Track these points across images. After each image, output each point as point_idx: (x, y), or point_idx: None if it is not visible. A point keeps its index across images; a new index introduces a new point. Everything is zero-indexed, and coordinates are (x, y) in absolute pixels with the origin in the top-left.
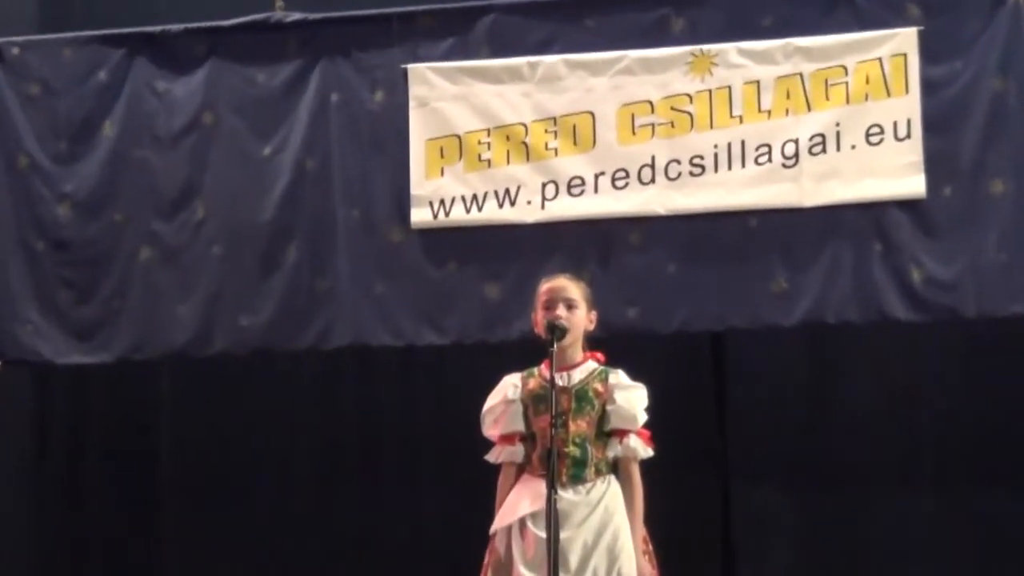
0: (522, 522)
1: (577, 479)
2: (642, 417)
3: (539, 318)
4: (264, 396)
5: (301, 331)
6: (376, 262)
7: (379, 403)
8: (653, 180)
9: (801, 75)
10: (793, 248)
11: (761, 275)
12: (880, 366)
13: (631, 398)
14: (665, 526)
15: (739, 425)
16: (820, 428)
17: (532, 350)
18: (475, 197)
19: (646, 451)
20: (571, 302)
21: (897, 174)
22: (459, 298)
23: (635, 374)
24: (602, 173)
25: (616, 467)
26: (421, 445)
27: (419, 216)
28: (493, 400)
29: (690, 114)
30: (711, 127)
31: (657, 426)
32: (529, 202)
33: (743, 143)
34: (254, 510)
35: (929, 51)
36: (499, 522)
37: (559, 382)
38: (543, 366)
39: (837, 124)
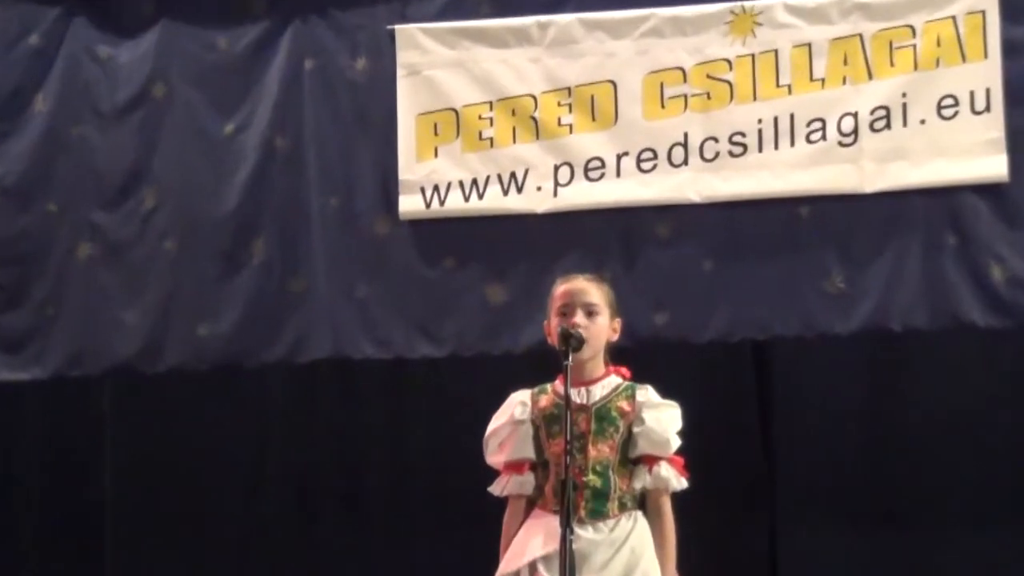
0: (532, 567)
1: (598, 514)
2: (675, 442)
3: (553, 326)
4: (225, 419)
5: (270, 342)
6: (358, 260)
7: (363, 426)
8: (686, 162)
9: (861, 36)
10: (851, 242)
11: (813, 273)
12: (953, 381)
13: (662, 419)
14: (703, 569)
15: (787, 451)
16: (881, 454)
17: (544, 364)
18: (475, 182)
19: (680, 482)
20: (591, 307)
21: (974, 153)
22: (457, 302)
23: (665, 391)
24: (625, 154)
25: (644, 501)
26: (412, 476)
27: (409, 205)
28: (498, 421)
29: (729, 83)
30: (754, 99)
31: (692, 452)
32: (539, 188)
33: (792, 118)
34: (214, 555)
35: (1012, 8)
36: (505, 567)
37: (576, 399)
38: (557, 381)
39: (903, 95)
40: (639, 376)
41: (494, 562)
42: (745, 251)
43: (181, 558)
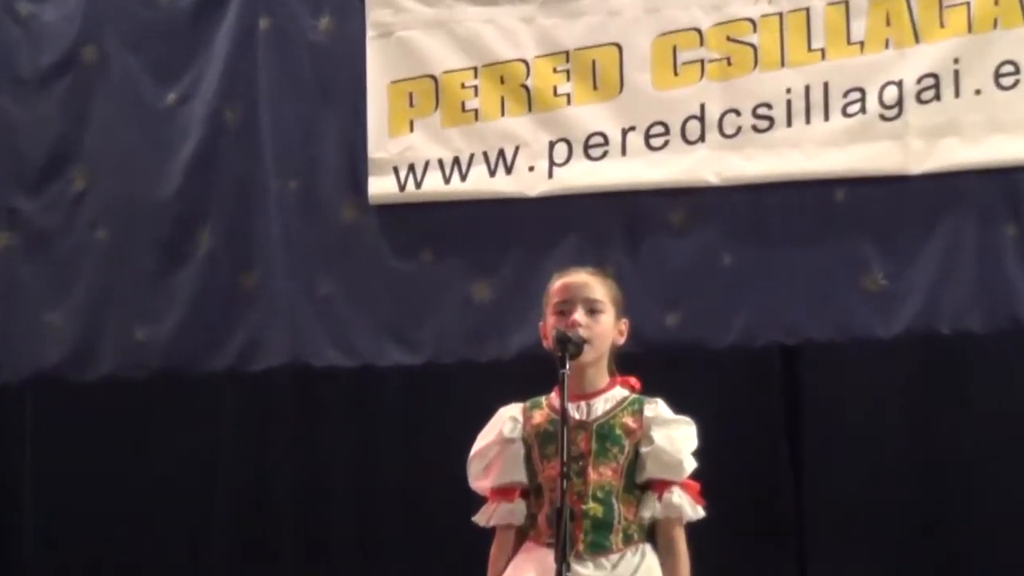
0: None
1: (599, 548)
2: (689, 464)
3: (548, 327)
4: (166, 435)
5: (218, 346)
6: (321, 251)
7: (325, 446)
8: (702, 138)
9: None
10: (894, 231)
11: (850, 268)
12: (1011, 391)
13: (674, 438)
14: None
15: (818, 471)
16: (926, 474)
17: (538, 373)
18: (457, 161)
19: (695, 510)
20: (594, 305)
21: None
22: (436, 301)
23: (678, 406)
24: (632, 128)
25: (653, 533)
26: (383, 503)
27: (380, 187)
28: (484, 440)
29: (753, 47)
30: (782, 65)
31: (709, 476)
32: (531, 168)
33: (826, 87)
34: None
35: None
36: None
37: (574, 415)
38: (553, 394)
39: (955, 61)
40: (646, 389)
41: None
42: (771, 242)
43: None
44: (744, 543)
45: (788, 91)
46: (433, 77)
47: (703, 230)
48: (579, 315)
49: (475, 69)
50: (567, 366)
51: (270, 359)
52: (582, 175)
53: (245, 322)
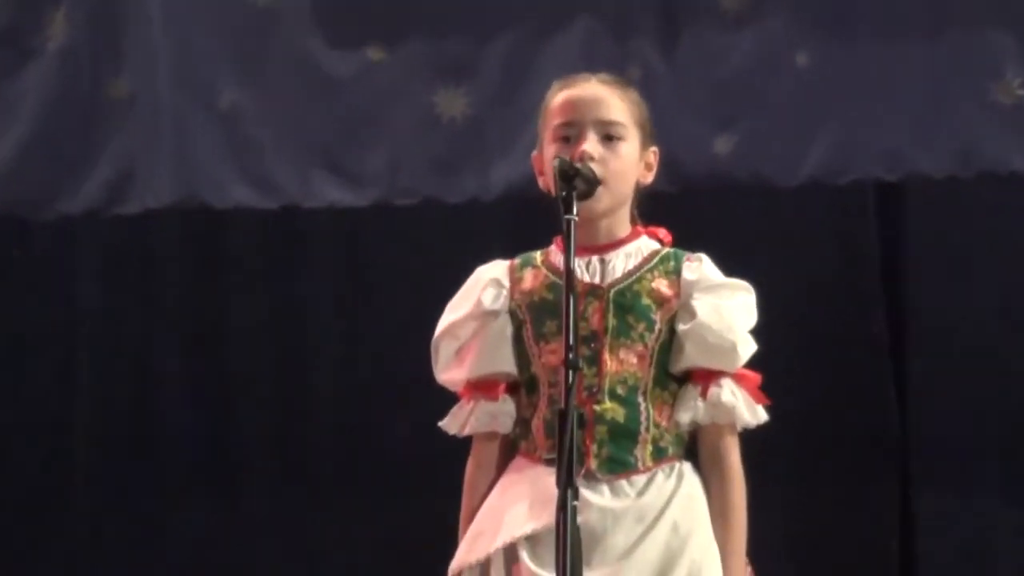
0: (510, 554)
1: (619, 466)
2: (746, 347)
3: (547, 157)
4: (7, 309)
5: (75, 180)
6: (222, 46)
7: (229, 323)
8: None
9: None
10: None
11: (975, 73)
12: None
13: (725, 309)
14: (801, 550)
15: (932, 370)
16: None
17: (529, 221)
18: None
19: (754, 412)
20: (611, 128)
21: None
22: (387, 116)
23: (729, 270)
24: None
25: (694, 444)
26: (308, 414)
27: None
28: (456, 313)
29: None
30: None
31: (774, 369)
32: None
33: None
34: None
35: None
36: (467, 554)
37: (583, 276)
38: (553, 248)
39: None
40: (682, 245)
41: (449, 542)
42: (864, 34)
43: None
44: (818, 459)
45: None
46: None
47: (767, 17)
48: (590, 143)
49: None
50: (574, 211)
51: (150, 198)
52: None
53: (114, 146)
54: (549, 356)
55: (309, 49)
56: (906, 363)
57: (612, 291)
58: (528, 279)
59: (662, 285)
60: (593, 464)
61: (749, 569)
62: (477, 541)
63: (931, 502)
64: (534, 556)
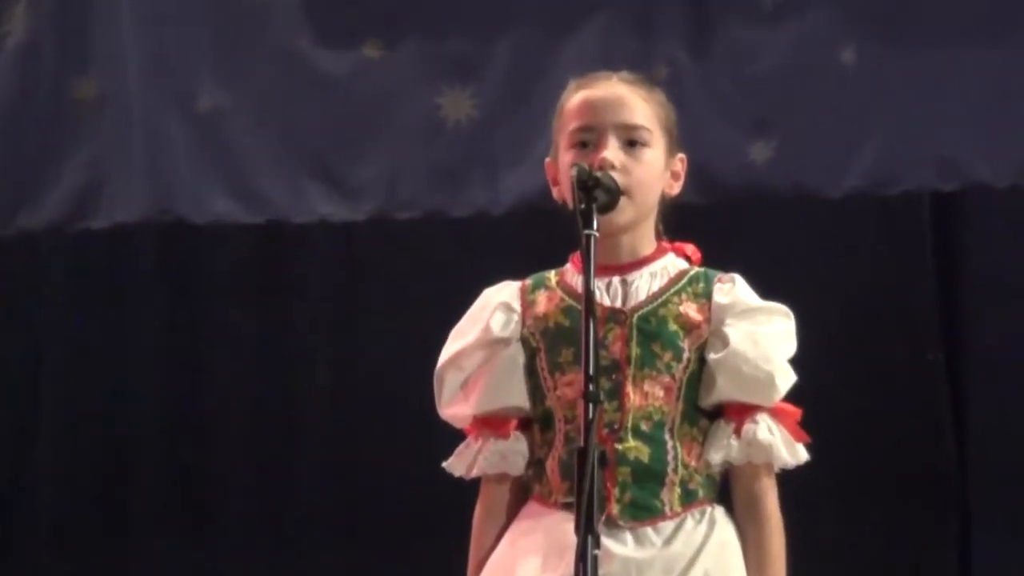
0: None
1: (643, 512)
2: (785, 379)
3: (562, 166)
4: None
5: (36, 191)
6: (200, 41)
7: (213, 351)
8: None
9: None
10: None
11: None
12: None
13: (760, 336)
14: None
15: (989, 396)
16: None
17: (543, 236)
18: None
19: (793, 451)
20: (634, 133)
21: None
22: (385, 120)
23: (767, 291)
24: None
25: (727, 486)
26: (301, 450)
27: None
28: (462, 340)
29: None
30: None
31: (821, 398)
32: None
33: None
34: None
35: None
36: None
37: (603, 299)
38: (569, 266)
39: None
40: (713, 263)
41: None
42: (918, 30)
43: None
44: (866, 501)
45: None
46: None
47: (810, 8)
48: (611, 150)
49: None
50: (594, 225)
51: (119, 212)
52: None
53: (79, 154)
54: (565, 389)
55: (299, 45)
56: (965, 392)
57: (635, 316)
58: (542, 302)
59: (691, 309)
60: (615, 509)
61: None
62: None
63: (992, 544)
64: None
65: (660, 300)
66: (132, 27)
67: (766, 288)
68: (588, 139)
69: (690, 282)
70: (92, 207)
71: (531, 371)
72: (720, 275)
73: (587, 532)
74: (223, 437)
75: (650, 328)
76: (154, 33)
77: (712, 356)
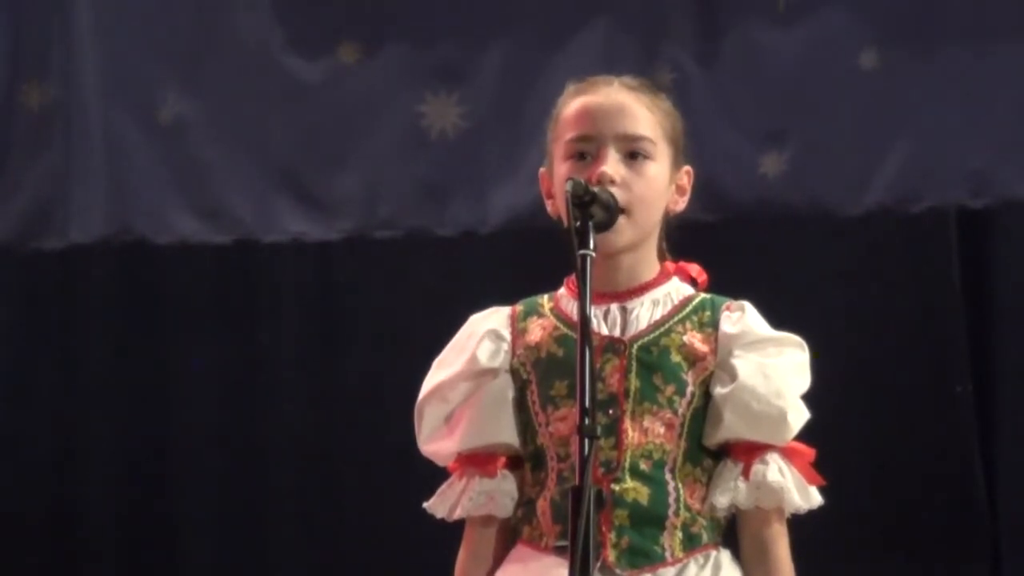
0: None
1: (642, 558)
2: (797, 416)
3: (557, 178)
4: None
5: None
6: (165, 43)
7: (175, 378)
8: None
9: None
10: None
11: None
12: None
13: (770, 369)
14: None
15: (1020, 452)
16: None
17: (535, 257)
18: None
19: (805, 495)
20: (636, 144)
21: None
22: (364, 131)
23: (778, 319)
24: None
25: (733, 530)
26: (266, 484)
27: None
28: (447, 370)
29: None
30: None
31: (838, 432)
32: None
33: None
34: None
35: None
36: None
37: (600, 327)
38: (563, 291)
39: None
40: (721, 287)
41: None
42: (944, 32)
43: None
44: (889, 543)
45: None
46: None
47: (826, 8)
48: (611, 163)
49: None
50: (591, 244)
51: (74, 232)
52: None
53: (30, 167)
54: (558, 424)
55: (268, 49)
56: (995, 426)
57: (635, 346)
58: (533, 330)
59: (696, 339)
60: (611, 556)
61: None
62: None
63: None
64: None
65: (662, 329)
66: (89, 30)
67: (777, 314)
68: (586, 150)
69: (695, 310)
70: (45, 227)
71: (521, 405)
72: (728, 302)
73: None
74: (185, 477)
75: (651, 359)
76: (113, 37)
77: (719, 391)
